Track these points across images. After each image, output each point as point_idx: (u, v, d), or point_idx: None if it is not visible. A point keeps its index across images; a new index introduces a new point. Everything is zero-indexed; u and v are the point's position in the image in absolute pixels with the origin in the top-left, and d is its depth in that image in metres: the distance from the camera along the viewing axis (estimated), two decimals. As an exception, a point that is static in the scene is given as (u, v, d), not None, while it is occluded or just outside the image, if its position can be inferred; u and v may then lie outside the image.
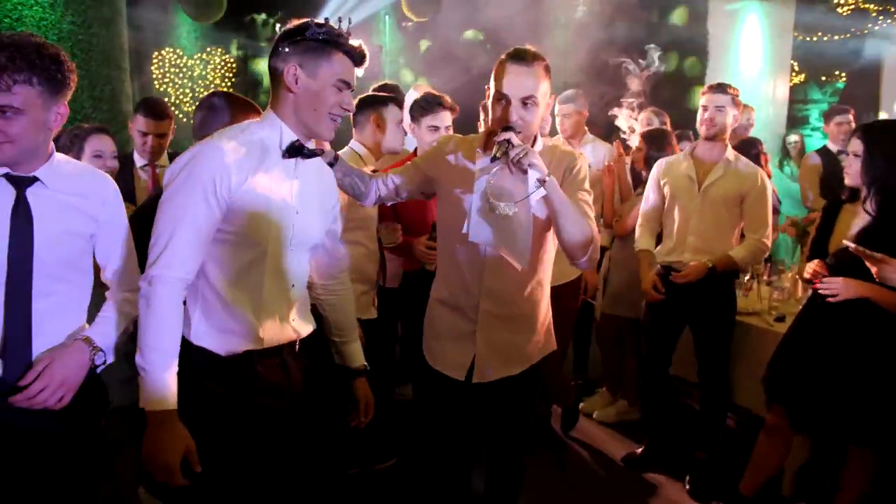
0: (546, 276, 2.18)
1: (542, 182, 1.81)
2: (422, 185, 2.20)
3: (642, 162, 3.69)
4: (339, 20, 1.71)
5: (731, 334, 3.22)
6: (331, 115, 1.71)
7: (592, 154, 4.10)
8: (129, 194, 3.14)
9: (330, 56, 1.66)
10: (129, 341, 2.65)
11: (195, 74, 8.76)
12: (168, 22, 8.23)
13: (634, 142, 4.08)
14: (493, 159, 1.86)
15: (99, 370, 1.69)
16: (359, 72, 1.75)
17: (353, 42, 1.71)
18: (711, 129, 3.16)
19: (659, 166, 3.38)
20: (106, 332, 1.70)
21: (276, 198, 1.69)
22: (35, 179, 1.59)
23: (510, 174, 1.88)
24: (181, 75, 8.68)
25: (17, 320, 1.57)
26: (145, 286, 1.58)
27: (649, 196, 3.39)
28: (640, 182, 3.78)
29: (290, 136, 1.71)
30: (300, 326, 1.85)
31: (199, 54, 8.77)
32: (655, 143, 3.67)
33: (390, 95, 2.99)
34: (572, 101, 4.12)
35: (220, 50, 8.84)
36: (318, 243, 1.88)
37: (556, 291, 3.41)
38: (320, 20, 1.68)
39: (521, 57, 1.95)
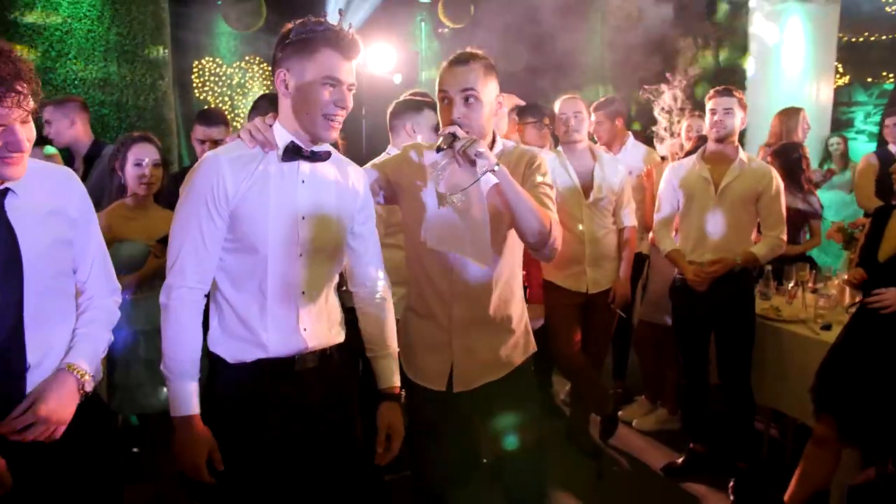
0: (515, 273, 2.12)
1: (492, 171, 1.77)
2: (387, 189, 2.09)
3: None
4: (340, 13, 1.72)
5: (752, 335, 3.20)
6: (325, 116, 1.66)
7: (629, 157, 4.04)
8: None
9: (313, 54, 1.63)
10: (150, 350, 2.72)
11: (234, 83, 8.93)
12: (208, 31, 8.41)
13: (662, 150, 4.05)
14: (438, 150, 1.80)
15: (90, 393, 1.59)
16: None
17: (339, 34, 1.65)
18: (721, 132, 3.21)
19: (671, 170, 3.42)
20: (90, 353, 1.60)
21: (277, 203, 1.68)
22: (6, 191, 1.46)
23: (459, 168, 1.83)
24: (220, 84, 8.85)
25: (10, 339, 1.46)
26: (164, 298, 1.65)
27: (664, 201, 3.42)
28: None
29: (285, 139, 1.70)
30: (317, 336, 1.78)
31: (238, 63, 8.94)
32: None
33: (425, 101, 3.00)
34: (603, 108, 4.10)
35: (258, 58, 8.99)
36: (339, 249, 1.84)
37: (591, 300, 3.46)
38: (304, 20, 1.66)
39: (458, 58, 1.96)
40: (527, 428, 2.10)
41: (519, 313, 2.13)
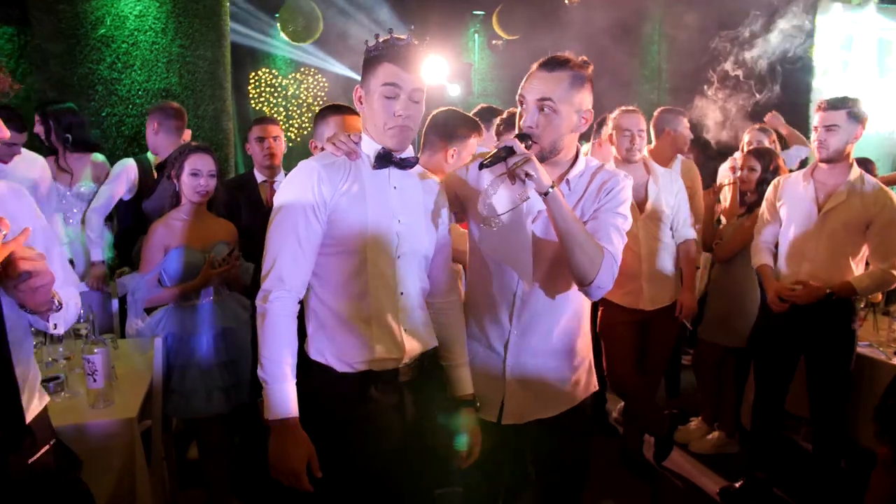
0: (582, 305, 1.97)
1: (543, 194, 1.68)
2: (456, 205, 2.02)
3: (754, 184, 3.50)
4: (411, 29, 1.73)
5: (849, 366, 2.97)
6: (387, 127, 1.71)
7: (677, 172, 3.91)
8: (255, 208, 3.31)
9: (375, 69, 1.70)
10: (228, 351, 2.78)
11: (289, 94, 9.10)
12: (265, 43, 8.59)
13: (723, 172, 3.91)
14: (481, 166, 1.73)
15: (59, 306, 1.50)
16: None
17: (397, 47, 1.69)
18: (823, 153, 2.92)
19: (775, 186, 3.18)
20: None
21: (374, 207, 1.73)
22: None
23: (512, 185, 1.75)
24: (276, 94, 9.03)
25: None
26: (260, 303, 1.67)
27: (765, 215, 3.20)
28: (743, 204, 3.59)
29: (375, 147, 1.76)
30: (417, 336, 1.80)
31: (294, 74, 9.11)
32: (768, 165, 3.48)
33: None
34: (665, 122, 3.96)
35: (313, 70, 9.15)
36: (428, 254, 1.85)
37: (649, 318, 3.36)
38: (379, 39, 1.74)
39: (546, 62, 1.82)
40: (572, 473, 2.01)
41: (584, 349, 2.01)
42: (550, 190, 1.68)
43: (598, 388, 2.06)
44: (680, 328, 3.49)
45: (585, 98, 1.83)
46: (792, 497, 3.12)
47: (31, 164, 3.39)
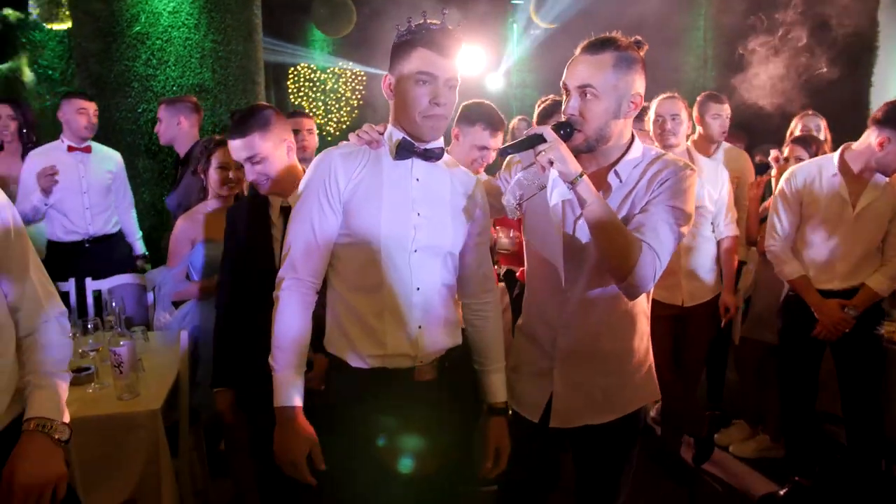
0: (638, 305, 1.83)
1: (570, 183, 1.56)
2: (492, 201, 1.94)
3: None
4: (443, 13, 1.66)
5: (881, 358, 2.82)
6: (421, 114, 1.63)
7: (723, 162, 3.75)
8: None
9: (409, 54, 1.62)
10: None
11: (327, 88, 9.13)
12: (303, 38, 8.64)
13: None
14: (502, 151, 1.64)
15: (68, 440, 1.50)
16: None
17: (433, 31, 1.61)
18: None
19: (795, 179, 2.93)
20: (52, 398, 1.51)
21: (390, 198, 1.67)
22: None
23: (541, 175, 1.63)
24: (314, 89, 9.08)
25: None
26: (276, 290, 1.67)
27: (783, 215, 2.97)
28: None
29: (397, 136, 1.70)
30: (433, 336, 1.73)
31: (332, 68, 9.14)
32: (811, 152, 3.29)
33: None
34: (705, 108, 3.80)
35: (350, 63, 9.16)
36: (452, 250, 1.77)
37: (686, 314, 3.23)
38: (410, 24, 1.65)
39: (590, 45, 1.69)
40: (613, 483, 1.89)
41: (641, 353, 1.87)
42: (579, 178, 1.56)
43: (659, 396, 1.92)
44: (719, 327, 3.34)
45: (636, 81, 1.69)
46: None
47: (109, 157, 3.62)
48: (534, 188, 1.68)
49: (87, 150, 3.64)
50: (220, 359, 2.35)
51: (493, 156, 2.61)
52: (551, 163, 1.56)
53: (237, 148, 2.12)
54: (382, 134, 1.73)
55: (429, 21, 1.64)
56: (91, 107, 3.60)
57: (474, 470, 1.87)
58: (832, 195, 2.83)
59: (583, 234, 1.74)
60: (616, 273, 1.63)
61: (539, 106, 3.12)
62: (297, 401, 1.61)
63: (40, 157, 3.47)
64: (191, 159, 3.42)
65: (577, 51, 1.72)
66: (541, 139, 1.57)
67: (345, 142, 1.77)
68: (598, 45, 1.67)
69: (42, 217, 3.59)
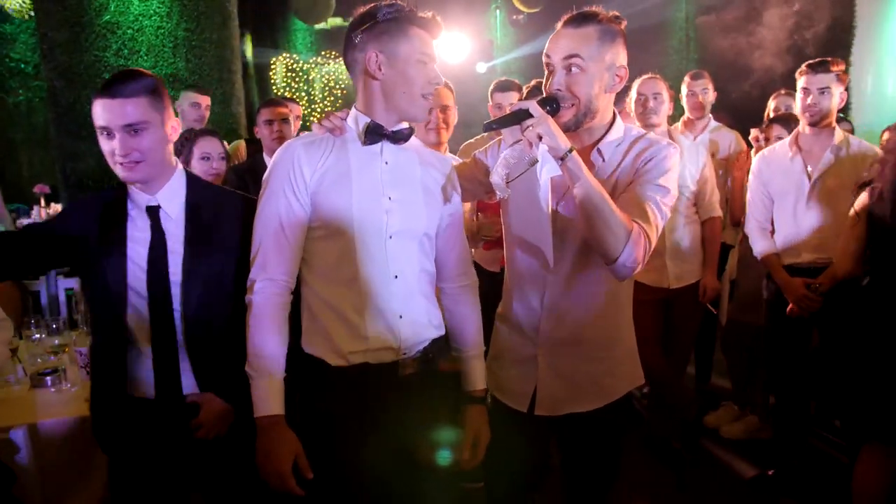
0: (622, 288, 1.78)
1: (560, 158, 1.50)
2: (475, 180, 1.89)
3: None
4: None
5: None
6: (422, 94, 1.61)
7: (715, 143, 3.73)
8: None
9: (407, 33, 1.58)
10: None
11: (310, 78, 9.04)
12: (285, 28, 8.54)
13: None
14: (486, 127, 1.59)
15: None
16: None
17: (425, 14, 1.61)
18: (815, 115, 2.81)
19: (761, 159, 3.04)
20: None
21: (359, 184, 1.61)
22: None
23: (529, 151, 1.57)
24: (297, 79, 8.98)
25: None
26: (248, 294, 1.60)
27: (755, 196, 3.05)
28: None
29: (364, 121, 1.64)
30: (416, 326, 1.68)
31: (315, 58, 9.04)
32: (791, 130, 3.26)
33: None
34: (696, 80, 3.79)
35: (333, 53, 9.06)
36: (428, 231, 1.71)
37: (673, 296, 3.20)
38: (388, 1, 1.62)
39: (572, 18, 1.65)
40: (603, 470, 1.86)
41: (627, 337, 1.85)
42: (568, 154, 1.50)
43: (643, 381, 1.88)
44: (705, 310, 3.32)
45: (619, 54, 1.66)
46: (828, 485, 2.93)
47: None
48: (523, 164, 1.62)
49: None
50: None
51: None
52: (540, 138, 1.50)
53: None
54: (345, 119, 1.67)
55: (408, 4, 1.62)
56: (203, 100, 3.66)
57: (461, 466, 1.81)
58: (790, 169, 2.91)
59: (567, 213, 1.69)
60: (607, 253, 1.56)
61: (525, 90, 3.09)
62: (278, 409, 1.54)
63: None
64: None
65: (559, 25, 1.68)
66: (527, 114, 1.51)
67: (306, 132, 1.72)
68: (581, 19, 1.64)
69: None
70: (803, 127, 2.91)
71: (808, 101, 2.81)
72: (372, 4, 1.62)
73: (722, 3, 6.24)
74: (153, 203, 1.74)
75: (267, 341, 1.56)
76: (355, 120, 1.66)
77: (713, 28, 6.06)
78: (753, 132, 3.56)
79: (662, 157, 1.65)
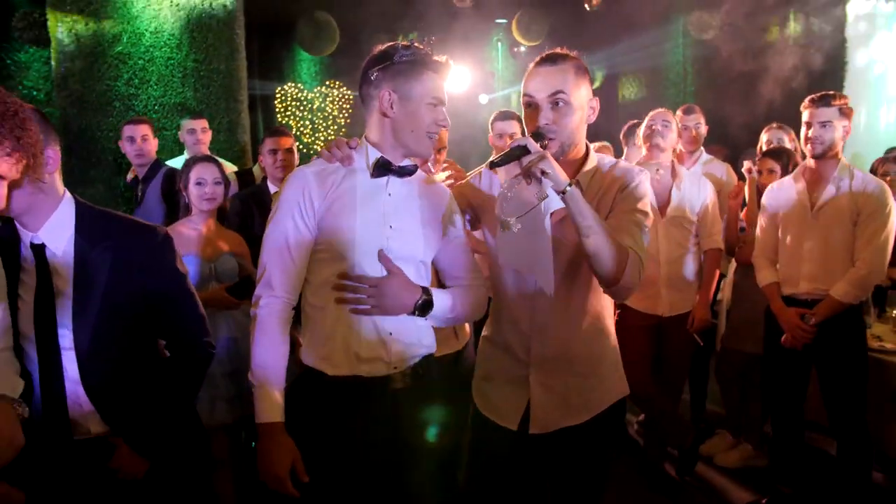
0: (605, 306, 1.90)
1: (561, 192, 1.60)
2: (470, 212, 1.98)
3: None
4: (427, 41, 1.74)
5: (864, 371, 2.83)
6: (428, 134, 1.72)
7: (707, 175, 3.81)
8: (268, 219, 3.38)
9: (420, 76, 1.69)
10: (232, 361, 2.77)
11: (315, 107, 9.19)
12: (290, 58, 8.70)
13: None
14: (491, 165, 1.66)
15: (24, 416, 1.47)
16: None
17: (439, 59, 1.72)
18: (818, 149, 2.85)
19: (771, 190, 3.11)
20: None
21: (365, 214, 1.71)
22: None
23: (528, 187, 1.66)
24: (302, 108, 9.12)
25: None
26: (252, 308, 1.70)
27: (763, 224, 3.11)
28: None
29: (374, 155, 1.74)
30: (405, 343, 1.76)
31: (319, 87, 9.20)
32: (787, 165, 3.35)
33: None
34: (689, 115, 3.89)
35: (337, 83, 9.22)
36: (424, 259, 1.81)
37: (666, 324, 3.25)
38: (405, 43, 1.72)
39: (547, 58, 1.77)
40: (591, 485, 1.92)
41: (612, 352, 1.93)
42: (568, 188, 1.60)
43: (628, 391, 1.95)
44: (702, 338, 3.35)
45: (589, 88, 1.82)
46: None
47: None
48: (526, 199, 1.68)
49: None
50: None
51: None
52: (544, 173, 1.59)
53: None
54: (354, 149, 1.76)
55: (423, 47, 1.72)
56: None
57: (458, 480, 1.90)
58: (794, 199, 2.96)
59: (557, 237, 1.77)
60: (607, 278, 1.66)
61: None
62: (278, 416, 1.64)
63: None
64: (151, 178, 3.55)
65: (533, 66, 1.80)
66: (525, 150, 1.61)
67: (317, 158, 1.80)
68: (556, 57, 1.77)
69: None
70: (808, 158, 2.96)
71: (810, 133, 2.85)
72: (390, 44, 1.73)
73: (719, 39, 6.40)
74: (37, 241, 1.61)
75: (269, 353, 1.67)
76: (366, 152, 1.75)
77: (709, 63, 6.20)
78: (746, 164, 3.64)
79: (637, 184, 1.79)
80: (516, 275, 1.86)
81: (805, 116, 2.90)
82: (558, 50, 1.80)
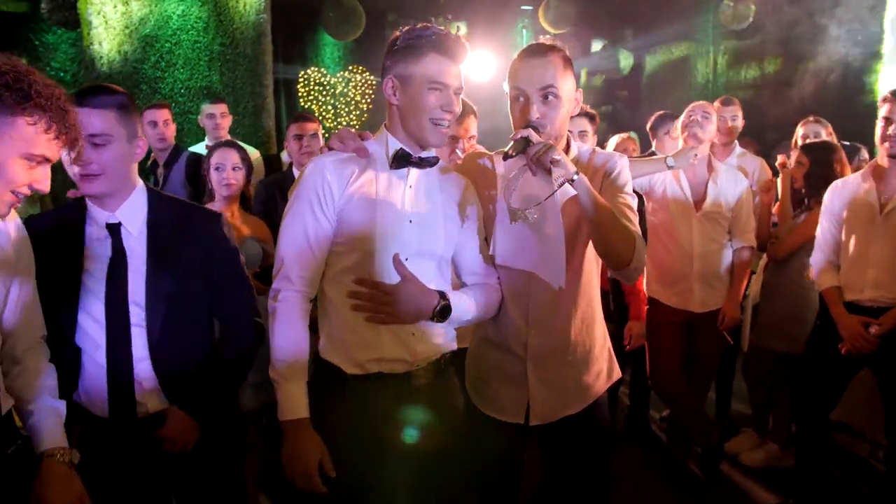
0: (595, 293, 1.92)
1: (570, 181, 1.60)
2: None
3: (802, 180, 3.27)
4: (447, 23, 1.65)
5: None
6: (432, 121, 1.64)
7: (741, 169, 3.72)
8: None
9: (419, 58, 1.62)
10: (260, 347, 2.76)
11: (337, 92, 9.17)
12: (314, 42, 8.68)
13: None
14: (506, 157, 1.65)
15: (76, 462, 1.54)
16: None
17: (444, 37, 1.62)
18: (895, 146, 2.63)
19: (834, 189, 2.89)
20: (59, 426, 1.54)
21: (383, 206, 1.66)
22: None
23: (533, 177, 1.68)
24: (325, 93, 9.11)
25: None
26: (271, 302, 1.66)
27: (824, 223, 2.91)
28: (799, 202, 3.37)
29: (394, 146, 1.69)
30: (427, 339, 1.72)
31: (342, 72, 9.17)
32: (819, 159, 3.24)
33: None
34: (727, 106, 3.80)
35: (361, 68, 9.19)
36: (445, 255, 1.76)
37: (697, 320, 3.20)
38: (421, 25, 1.66)
39: (534, 50, 1.75)
40: (596, 474, 1.93)
41: (602, 338, 1.94)
42: (576, 176, 1.60)
43: (620, 375, 2.00)
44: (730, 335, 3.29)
45: (573, 80, 1.81)
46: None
47: None
48: (541, 191, 1.69)
49: None
50: None
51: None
52: (553, 162, 1.60)
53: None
54: (365, 141, 1.72)
55: (437, 27, 1.65)
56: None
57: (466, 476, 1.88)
58: (862, 200, 2.77)
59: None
60: (619, 261, 1.69)
61: None
62: (304, 412, 1.60)
63: None
64: (173, 163, 3.55)
65: (521, 58, 1.78)
66: (529, 142, 1.62)
67: (331, 150, 1.75)
68: (545, 49, 1.76)
69: None
70: (882, 157, 2.74)
71: (890, 130, 2.62)
72: (401, 29, 1.67)
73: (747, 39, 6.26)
74: (113, 220, 1.72)
75: (292, 348, 1.62)
76: (385, 141, 1.70)
77: (739, 54, 6.07)
78: (780, 158, 3.56)
79: (620, 169, 1.82)
80: (509, 273, 1.85)
81: (883, 111, 2.65)
82: (543, 41, 1.79)
